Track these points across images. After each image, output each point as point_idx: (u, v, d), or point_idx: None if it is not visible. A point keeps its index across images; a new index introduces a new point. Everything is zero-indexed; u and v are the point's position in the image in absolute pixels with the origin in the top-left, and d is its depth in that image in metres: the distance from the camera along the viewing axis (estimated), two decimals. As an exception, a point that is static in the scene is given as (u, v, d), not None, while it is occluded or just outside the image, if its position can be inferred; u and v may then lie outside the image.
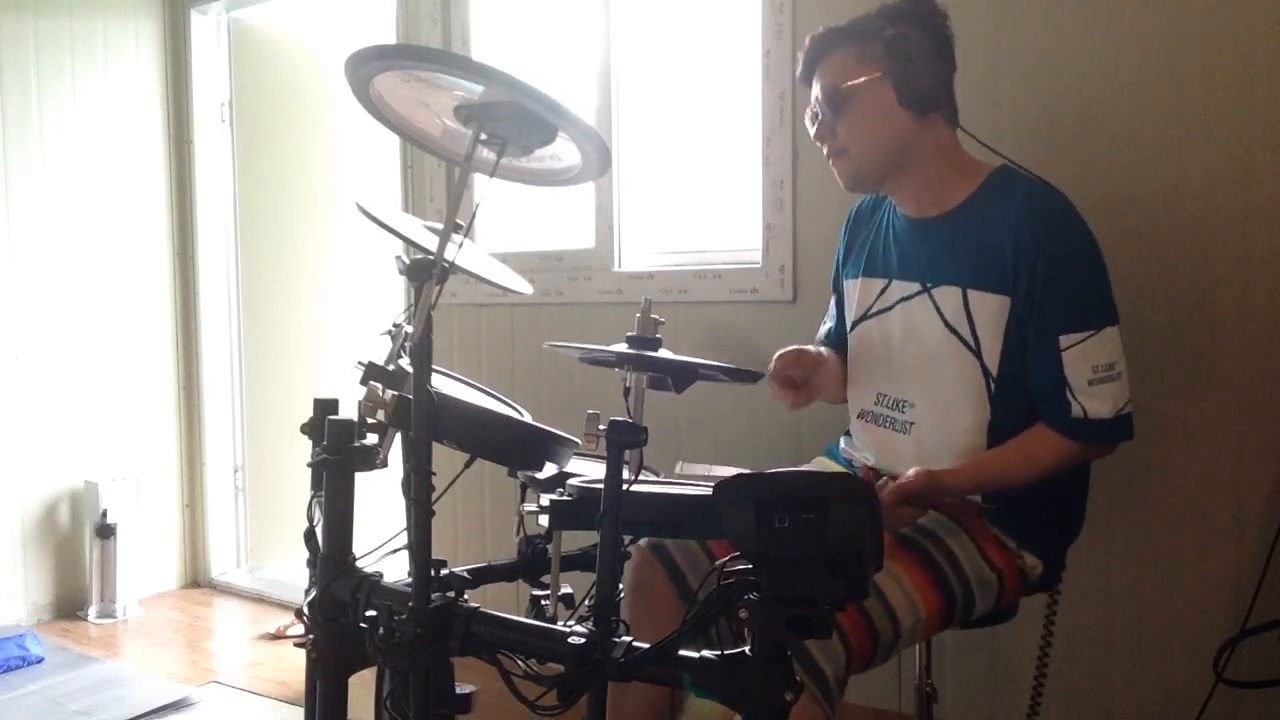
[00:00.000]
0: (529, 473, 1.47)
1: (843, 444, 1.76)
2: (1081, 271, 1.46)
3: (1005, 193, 1.53)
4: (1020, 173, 1.57)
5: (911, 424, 1.58)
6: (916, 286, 1.58)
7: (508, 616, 1.22)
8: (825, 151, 1.60)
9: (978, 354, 1.51)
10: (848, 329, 1.72)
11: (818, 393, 1.69)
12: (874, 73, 1.52)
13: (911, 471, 1.46)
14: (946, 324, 1.54)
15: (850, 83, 1.53)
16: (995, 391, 1.51)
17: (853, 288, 1.72)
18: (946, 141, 1.57)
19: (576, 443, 1.38)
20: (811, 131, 1.62)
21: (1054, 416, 1.47)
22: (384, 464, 1.36)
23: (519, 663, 1.18)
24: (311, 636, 1.38)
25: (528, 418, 1.55)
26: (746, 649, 1.04)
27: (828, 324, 1.84)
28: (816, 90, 1.58)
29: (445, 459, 1.28)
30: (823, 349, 1.78)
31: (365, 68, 1.20)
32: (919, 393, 1.57)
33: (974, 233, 1.52)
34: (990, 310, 1.50)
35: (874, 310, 1.65)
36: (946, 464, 1.51)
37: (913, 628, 1.41)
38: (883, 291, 1.64)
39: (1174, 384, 1.84)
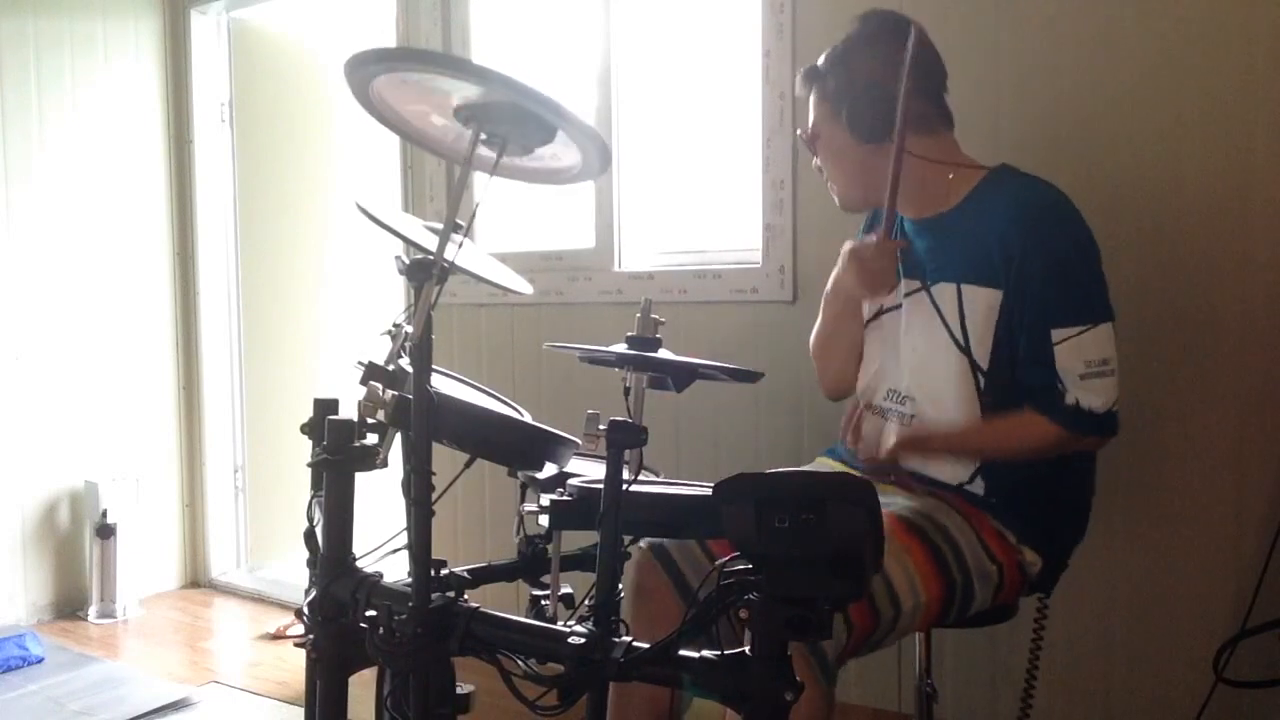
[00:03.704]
0: (529, 473, 1.47)
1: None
2: (1074, 266, 1.47)
3: (998, 190, 1.54)
4: (1017, 172, 1.57)
5: (912, 417, 1.60)
6: (917, 284, 1.60)
7: (508, 616, 1.21)
8: None
9: (967, 350, 1.53)
10: (864, 323, 1.75)
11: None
12: (828, 113, 1.59)
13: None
14: (942, 320, 1.55)
15: (812, 126, 1.63)
16: (984, 387, 1.52)
17: None
18: (937, 148, 1.57)
19: (576, 443, 1.38)
20: None
21: (1045, 402, 1.48)
22: (384, 464, 1.36)
23: (519, 663, 1.18)
24: (311, 636, 1.38)
25: (528, 418, 1.55)
26: (746, 649, 1.04)
27: None
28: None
29: (445, 459, 1.28)
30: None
31: (365, 70, 1.20)
32: (916, 388, 1.60)
33: (968, 229, 1.54)
34: (982, 304, 1.51)
35: (887, 307, 1.67)
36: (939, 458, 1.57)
37: (913, 610, 1.41)
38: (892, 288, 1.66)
39: (1174, 384, 1.84)
